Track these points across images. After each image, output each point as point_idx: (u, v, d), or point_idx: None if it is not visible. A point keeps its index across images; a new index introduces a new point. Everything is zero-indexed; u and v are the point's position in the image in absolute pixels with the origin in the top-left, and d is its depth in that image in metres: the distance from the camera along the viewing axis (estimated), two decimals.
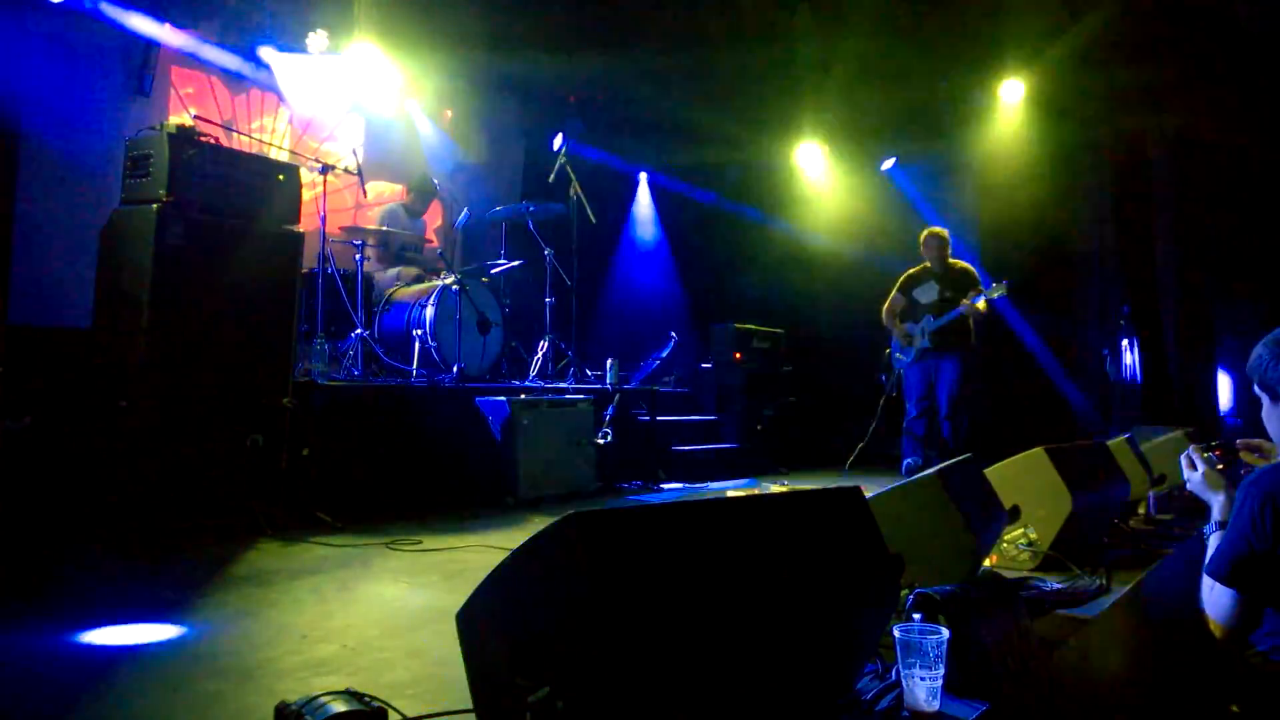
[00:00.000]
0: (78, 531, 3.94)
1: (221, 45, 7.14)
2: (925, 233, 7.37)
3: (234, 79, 7.39)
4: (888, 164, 9.89)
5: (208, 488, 4.31)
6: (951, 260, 7.33)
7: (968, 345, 7.12)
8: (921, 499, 2.59)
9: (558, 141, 7.39)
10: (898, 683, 1.96)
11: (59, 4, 6.02)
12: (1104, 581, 3.09)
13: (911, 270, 7.47)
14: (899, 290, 7.47)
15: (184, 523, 4.20)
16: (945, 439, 7.06)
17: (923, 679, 1.90)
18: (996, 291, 6.88)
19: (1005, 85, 8.79)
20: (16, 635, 2.74)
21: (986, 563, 3.07)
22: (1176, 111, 8.23)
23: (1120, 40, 7.53)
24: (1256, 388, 2.39)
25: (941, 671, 1.91)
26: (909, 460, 7.17)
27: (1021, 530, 3.33)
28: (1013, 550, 3.34)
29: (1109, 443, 4.09)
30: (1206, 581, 2.33)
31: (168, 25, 6.79)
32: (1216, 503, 2.58)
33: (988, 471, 3.13)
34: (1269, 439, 2.49)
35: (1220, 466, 2.66)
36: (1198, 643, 2.50)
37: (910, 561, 2.25)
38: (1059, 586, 3.02)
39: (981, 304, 6.91)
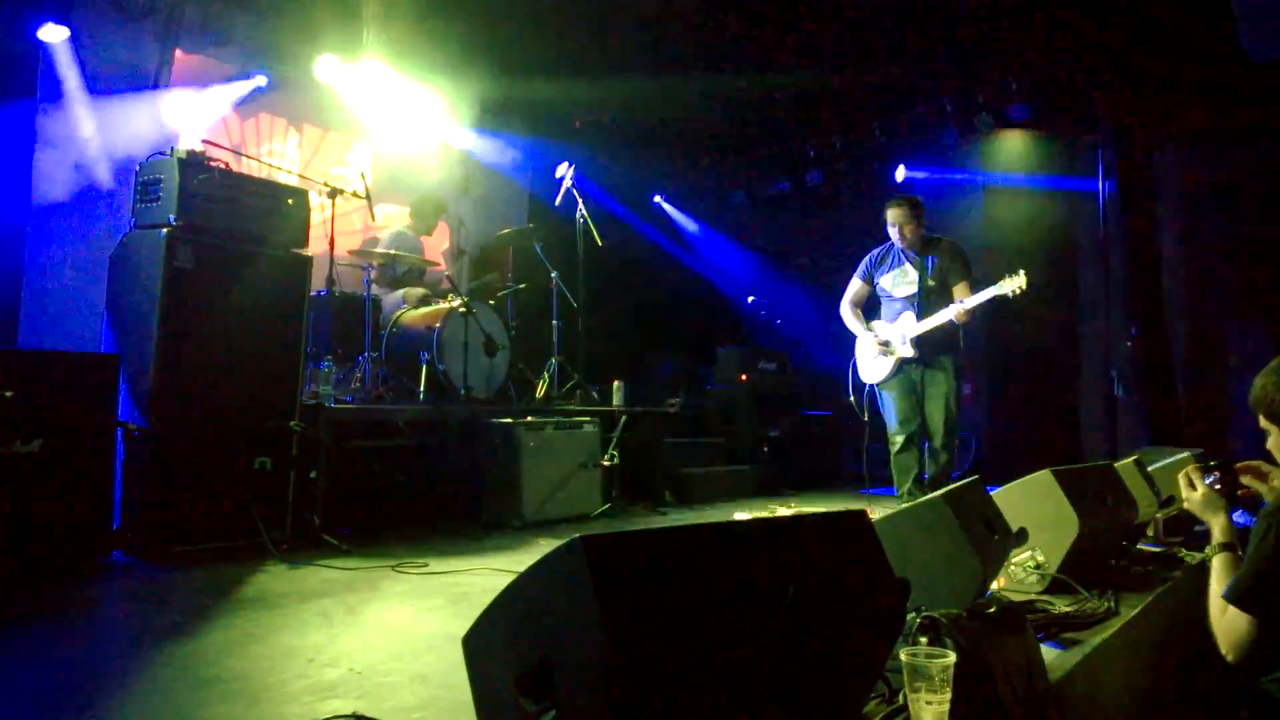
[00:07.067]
0: (86, 555, 3.96)
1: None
2: (890, 203, 5.78)
3: (243, 103, 7.46)
4: (900, 174, 9.83)
5: (215, 511, 4.33)
6: (929, 236, 5.76)
7: (959, 350, 5.68)
8: (928, 522, 2.59)
9: (562, 169, 7.42)
10: (904, 707, 1.96)
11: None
12: (1112, 604, 3.07)
13: (876, 251, 5.94)
14: (861, 277, 5.97)
15: (191, 546, 4.22)
16: (941, 470, 5.60)
17: (929, 703, 1.90)
18: (1012, 284, 5.29)
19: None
20: (23, 659, 2.74)
21: (994, 586, 3.06)
22: (1184, 131, 8.25)
23: (1125, 59, 7.57)
24: (1263, 419, 2.38)
25: (948, 696, 1.90)
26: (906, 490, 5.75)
27: (1029, 553, 3.32)
28: (1020, 573, 3.33)
29: (1116, 464, 4.08)
30: (1218, 604, 2.32)
31: (178, 50, 6.87)
32: (1217, 524, 2.57)
33: (994, 494, 3.13)
34: (1269, 462, 2.49)
35: (1218, 487, 2.66)
36: (1207, 667, 2.49)
37: (917, 585, 2.25)
38: (1067, 610, 3.01)
39: (962, 312, 5.42)
